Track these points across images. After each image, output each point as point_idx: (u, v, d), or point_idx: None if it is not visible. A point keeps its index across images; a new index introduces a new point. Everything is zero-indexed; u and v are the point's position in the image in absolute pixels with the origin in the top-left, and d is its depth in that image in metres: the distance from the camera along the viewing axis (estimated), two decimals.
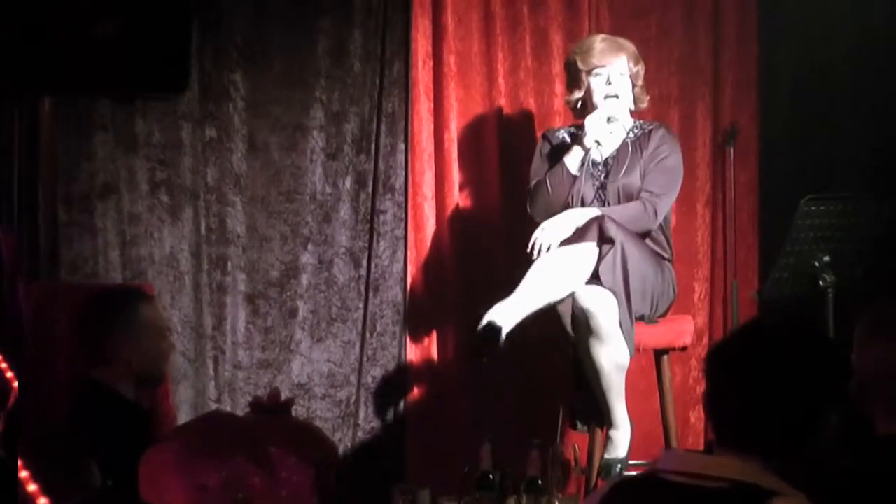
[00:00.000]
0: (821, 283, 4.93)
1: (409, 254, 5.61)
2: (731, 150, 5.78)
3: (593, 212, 4.85)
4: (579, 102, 5.11)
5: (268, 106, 5.45)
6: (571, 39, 5.75)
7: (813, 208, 4.89)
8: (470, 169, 5.66)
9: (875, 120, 5.76)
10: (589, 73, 5.03)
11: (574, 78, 5.10)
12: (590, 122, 4.96)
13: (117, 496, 3.52)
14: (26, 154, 4.71)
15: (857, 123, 5.80)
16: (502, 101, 5.70)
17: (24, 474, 3.09)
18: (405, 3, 5.60)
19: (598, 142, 4.95)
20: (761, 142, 5.97)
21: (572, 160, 4.98)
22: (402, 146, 5.61)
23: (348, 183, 5.56)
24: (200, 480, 2.52)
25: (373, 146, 5.58)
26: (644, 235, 4.94)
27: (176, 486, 2.55)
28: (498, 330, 4.57)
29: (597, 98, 5.02)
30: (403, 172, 5.61)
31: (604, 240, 4.67)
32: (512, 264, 5.62)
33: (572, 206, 4.97)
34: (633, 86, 5.07)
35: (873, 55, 5.75)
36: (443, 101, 5.61)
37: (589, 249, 4.69)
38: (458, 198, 5.63)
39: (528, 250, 4.85)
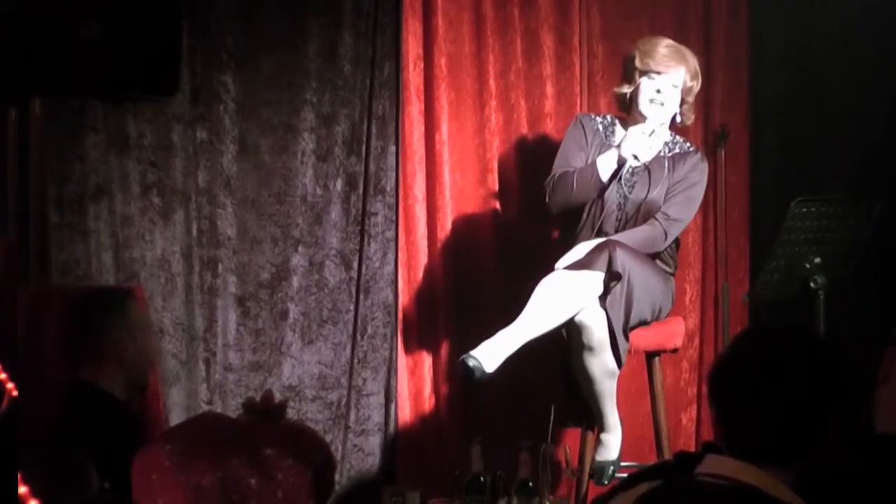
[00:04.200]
0: (812, 284, 4.93)
1: (399, 256, 5.60)
2: (722, 152, 5.79)
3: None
4: (627, 96, 5.04)
5: (258, 108, 5.45)
6: (562, 41, 5.76)
7: (804, 210, 4.89)
8: (461, 171, 5.66)
9: (865, 121, 5.77)
10: (643, 73, 4.95)
11: (628, 73, 5.01)
12: (632, 134, 4.88)
13: (114, 499, 3.51)
14: (17, 156, 4.70)
15: (848, 124, 5.82)
16: (493, 103, 5.69)
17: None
18: (396, 4, 5.60)
19: (635, 156, 4.91)
20: (752, 143, 5.98)
21: (605, 167, 4.92)
22: (392, 148, 5.61)
23: (339, 185, 5.56)
24: (194, 481, 2.51)
25: (363, 148, 5.58)
26: (653, 256, 4.94)
27: (170, 487, 2.54)
28: (476, 373, 4.59)
29: (642, 99, 4.94)
30: (394, 174, 5.61)
31: (612, 275, 4.66)
32: (503, 266, 5.64)
33: (591, 210, 4.96)
34: (683, 101, 4.99)
35: (863, 56, 5.76)
36: (433, 103, 5.61)
37: (595, 278, 4.68)
38: (448, 200, 5.62)
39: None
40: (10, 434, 3.48)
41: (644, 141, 4.85)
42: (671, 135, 5.07)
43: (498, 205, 5.68)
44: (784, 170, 5.93)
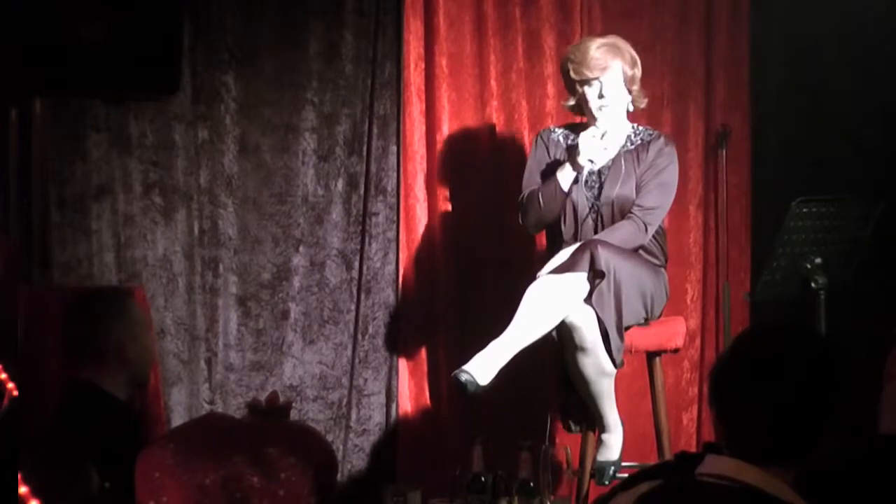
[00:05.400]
0: (813, 284, 4.92)
1: (401, 256, 5.60)
2: (723, 152, 5.79)
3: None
4: (577, 106, 5.04)
5: (259, 108, 5.45)
6: (563, 40, 5.74)
7: (804, 210, 4.89)
8: (462, 171, 5.65)
9: (866, 121, 5.77)
10: (582, 83, 4.95)
11: (568, 86, 5.02)
12: (584, 139, 4.88)
13: (114, 499, 3.51)
14: (18, 156, 4.70)
15: (849, 124, 5.81)
16: (494, 103, 5.69)
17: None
18: (397, 4, 5.60)
19: (591, 160, 4.91)
20: (753, 143, 5.98)
21: (565, 177, 4.93)
22: (393, 148, 5.61)
23: (340, 185, 5.56)
24: (198, 480, 2.51)
25: (365, 148, 5.58)
26: (637, 248, 4.93)
27: (173, 486, 2.54)
28: (469, 388, 4.59)
29: (591, 106, 4.93)
30: (395, 174, 5.61)
31: (595, 273, 4.65)
32: (504, 266, 5.63)
33: (565, 219, 4.96)
34: (629, 91, 4.97)
35: (864, 57, 5.76)
36: (435, 103, 5.61)
37: (579, 279, 4.67)
38: (449, 200, 5.62)
39: None
40: (10, 434, 3.48)
41: (597, 144, 4.86)
42: (633, 126, 5.07)
43: (498, 204, 5.67)
44: (785, 170, 5.92)
